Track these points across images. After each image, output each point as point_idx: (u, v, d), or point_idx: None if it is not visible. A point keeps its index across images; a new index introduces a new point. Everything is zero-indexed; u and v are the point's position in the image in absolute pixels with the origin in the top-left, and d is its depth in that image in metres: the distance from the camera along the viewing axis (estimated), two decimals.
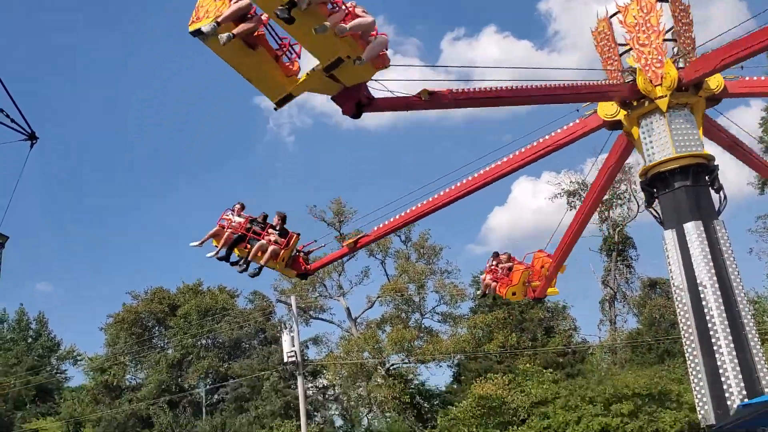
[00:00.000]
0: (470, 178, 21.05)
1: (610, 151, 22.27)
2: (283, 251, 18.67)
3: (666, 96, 18.83)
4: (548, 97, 18.98)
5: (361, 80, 14.50)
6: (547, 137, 20.95)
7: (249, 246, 18.21)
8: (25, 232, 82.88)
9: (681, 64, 19.37)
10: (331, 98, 15.41)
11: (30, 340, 62.53)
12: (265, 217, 19.04)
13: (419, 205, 21.15)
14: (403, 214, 21.28)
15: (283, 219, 18.94)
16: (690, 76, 18.81)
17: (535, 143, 21.02)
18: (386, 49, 13.95)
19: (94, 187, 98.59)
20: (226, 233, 18.01)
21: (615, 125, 20.77)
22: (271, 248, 18.24)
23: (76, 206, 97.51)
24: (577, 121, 21.12)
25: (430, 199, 21.16)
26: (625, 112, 19.98)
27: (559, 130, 21.02)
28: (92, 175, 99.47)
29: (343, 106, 15.64)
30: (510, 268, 23.49)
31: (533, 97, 18.92)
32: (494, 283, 23.40)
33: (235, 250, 18.30)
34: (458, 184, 21.12)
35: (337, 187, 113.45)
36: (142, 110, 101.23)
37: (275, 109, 14.89)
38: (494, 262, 23.78)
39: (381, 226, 21.56)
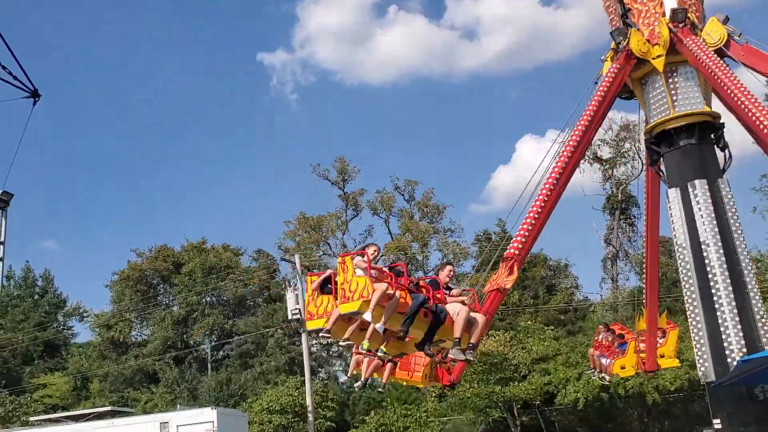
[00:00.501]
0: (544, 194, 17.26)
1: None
2: (423, 367, 15.86)
3: (662, 56, 18.64)
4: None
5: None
6: (585, 118, 18.27)
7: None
8: (30, 190, 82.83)
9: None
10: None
11: (36, 297, 63.07)
12: None
13: None
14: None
15: None
16: (687, 35, 18.58)
17: (578, 129, 18.16)
18: None
19: (99, 144, 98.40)
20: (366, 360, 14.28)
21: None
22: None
23: (80, 164, 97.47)
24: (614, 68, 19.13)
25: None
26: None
27: (593, 103, 18.60)
28: (96, 133, 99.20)
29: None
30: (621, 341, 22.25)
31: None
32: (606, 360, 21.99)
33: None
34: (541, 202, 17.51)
35: (341, 145, 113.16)
36: (147, 68, 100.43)
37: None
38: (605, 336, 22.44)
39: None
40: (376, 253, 11.43)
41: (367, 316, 10.54)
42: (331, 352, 53.84)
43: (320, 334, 11.54)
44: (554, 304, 45.88)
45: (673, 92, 19.11)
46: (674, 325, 23.75)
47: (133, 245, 76.01)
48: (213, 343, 52.39)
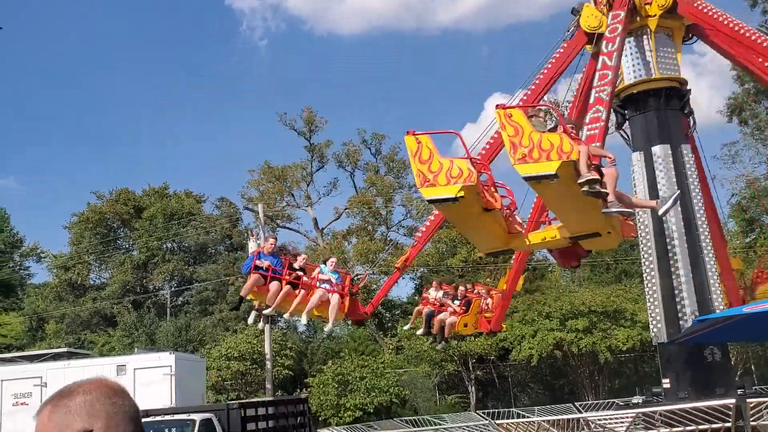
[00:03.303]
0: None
1: (580, 82, 21.54)
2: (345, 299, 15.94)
3: (656, 15, 18.68)
4: None
5: (604, 248, 13.18)
6: (541, 74, 19.40)
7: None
8: None
9: None
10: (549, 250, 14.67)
11: None
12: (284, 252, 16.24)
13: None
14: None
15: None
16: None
17: (537, 80, 19.36)
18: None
19: (61, 82, 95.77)
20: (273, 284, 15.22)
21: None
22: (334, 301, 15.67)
23: (42, 100, 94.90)
24: (564, 45, 20.15)
25: None
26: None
27: (552, 62, 19.54)
28: (59, 70, 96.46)
29: (564, 259, 15.11)
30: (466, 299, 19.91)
31: None
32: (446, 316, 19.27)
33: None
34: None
35: (309, 95, 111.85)
36: (114, 7, 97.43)
37: (481, 257, 14.12)
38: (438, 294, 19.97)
39: (418, 239, 19.68)
40: None
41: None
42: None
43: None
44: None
45: (642, 57, 19.23)
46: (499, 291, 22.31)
47: (94, 188, 74.90)
48: (173, 289, 52.16)
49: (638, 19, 18.87)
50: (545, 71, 19.36)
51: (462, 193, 9.78)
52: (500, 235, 12.70)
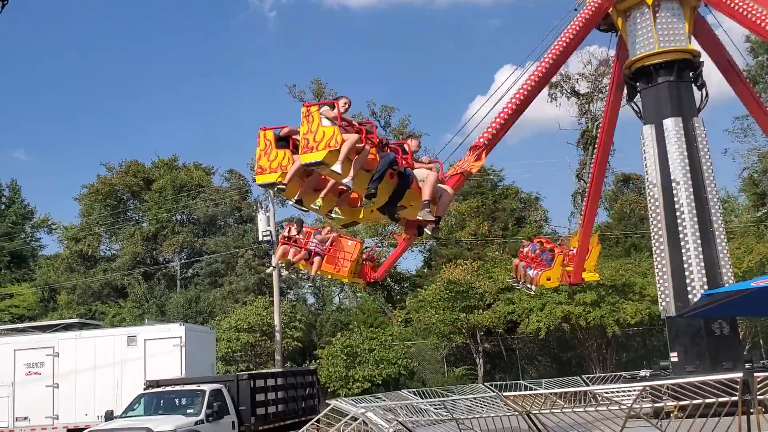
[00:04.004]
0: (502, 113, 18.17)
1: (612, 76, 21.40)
2: (350, 263, 17.81)
3: None
4: None
5: (416, 217, 12.99)
6: (554, 49, 18.48)
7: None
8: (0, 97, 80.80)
9: None
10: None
11: (3, 207, 62.23)
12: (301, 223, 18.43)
13: None
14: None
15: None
16: None
17: (545, 59, 18.49)
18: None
19: (71, 55, 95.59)
20: (292, 251, 17.14)
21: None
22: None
23: (51, 74, 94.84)
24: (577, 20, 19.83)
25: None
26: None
27: (563, 38, 18.68)
28: (68, 43, 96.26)
29: (408, 229, 15.02)
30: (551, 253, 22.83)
31: None
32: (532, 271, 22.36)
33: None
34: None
35: (319, 67, 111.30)
36: None
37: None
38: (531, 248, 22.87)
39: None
40: (347, 106, 10.68)
41: (336, 167, 9.77)
42: (300, 275, 54.24)
43: (274, 189, 10.93)
44: (523, 236, 46.32)
45: (655, 28, 18.95)
46: (599, 243, 25.66)
47: (104, 159, 75.02)
48: (183, 261, 52.42)
49: None
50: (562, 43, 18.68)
51: (323, 158, 9.74)
52: (345, 210, 12.64)
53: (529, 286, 23.13)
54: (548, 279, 22.59)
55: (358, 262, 18.35)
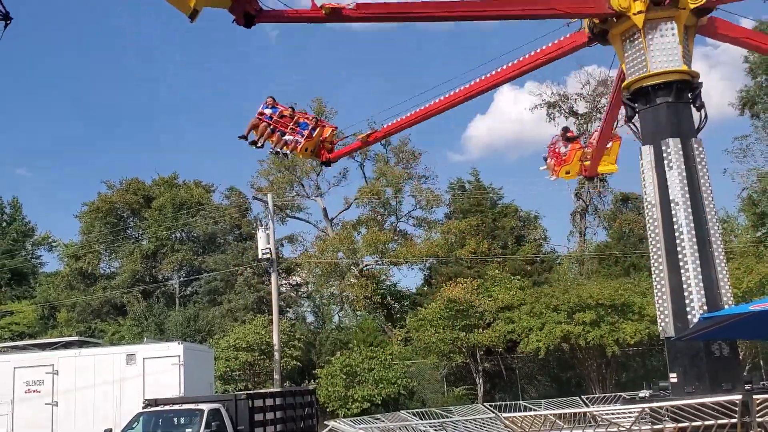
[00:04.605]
0: (454, 92, 21.74)
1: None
2: (306, 142, 20.73)
3: (642, 12, 18.49)
4: (475, 14, 18.54)
5: None
6: (534, 52, 20.43)
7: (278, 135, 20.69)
8: (1, 116, 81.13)
9: None
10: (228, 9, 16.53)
11: (4, 224, 62.32)
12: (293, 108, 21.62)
13: (422, 108, 22.45)
14: (403, 117, 22.65)
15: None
16: None
17: (522, 58, 20.50)
18: None
19: (71, 72, 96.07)
20: (262, 125, 20.49)
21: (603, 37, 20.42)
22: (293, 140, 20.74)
23: (54, 92, 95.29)
24: (567, 35, 20.59)
25: (431, 104, 22.28)
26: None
27: (550, 44, 20.41)
28: (69, 60, 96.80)
29: (235, 16, 16.67)
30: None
31: (464, 14, 18.57)
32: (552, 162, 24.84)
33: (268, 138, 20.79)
34: (443, 97, 21.90)
35: (319, 85, 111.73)
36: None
37: (191, 21, 15.92)
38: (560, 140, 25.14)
39: (392, 123, 22.71)
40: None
41: None
42: (300, 293, 54.20)
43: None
44: (522, 255, 46.41)
45: (651, 49, 19.06)
46: (619, 138, 25.95)
47: (105, 177, 75.15)
48: (182, 279, 52.37)
49: (625, 20, 18.85)
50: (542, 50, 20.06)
51: None
52: None
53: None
54: (567, 173, 25.08)
55: (316, 144, 21.41)
